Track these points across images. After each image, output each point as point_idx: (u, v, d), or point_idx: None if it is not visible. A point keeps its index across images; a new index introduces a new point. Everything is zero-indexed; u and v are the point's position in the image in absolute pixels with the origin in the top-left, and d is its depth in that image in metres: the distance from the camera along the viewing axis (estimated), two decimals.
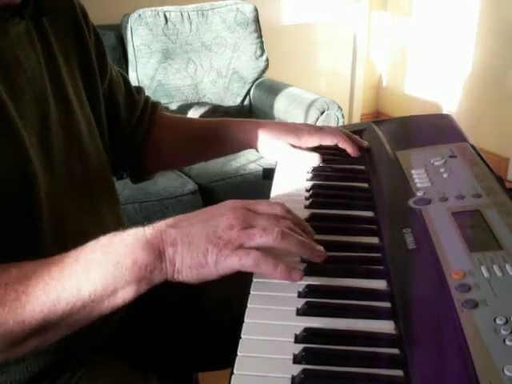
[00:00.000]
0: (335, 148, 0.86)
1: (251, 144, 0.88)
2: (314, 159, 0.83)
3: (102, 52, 0.82)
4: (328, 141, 0.85)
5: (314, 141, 0.85)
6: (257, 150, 0.88)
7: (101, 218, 0.74)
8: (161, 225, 0.56)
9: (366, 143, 0.88)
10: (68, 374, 0.67)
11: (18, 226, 0.60)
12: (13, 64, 0.62)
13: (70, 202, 0.68)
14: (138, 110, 0.90)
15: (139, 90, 0.93)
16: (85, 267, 0.52)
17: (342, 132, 0.86)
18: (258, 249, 0.53)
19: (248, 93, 2.52)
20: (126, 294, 0.53)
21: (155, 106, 0.94)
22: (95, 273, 0.52)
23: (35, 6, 0.66)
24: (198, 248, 0.53)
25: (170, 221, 0.56)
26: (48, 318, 0.51)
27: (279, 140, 0.85)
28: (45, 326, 0.51)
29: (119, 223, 0.79)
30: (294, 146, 0.85)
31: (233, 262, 0.53)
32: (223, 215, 0.55)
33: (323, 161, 0.84)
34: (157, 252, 0.53)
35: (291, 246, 0.55)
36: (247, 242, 0.54)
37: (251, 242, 0.54)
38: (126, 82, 0.90)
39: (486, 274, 0.50)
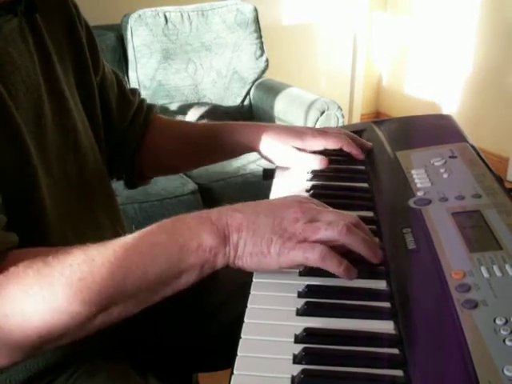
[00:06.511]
0: (338, 150, 0.84)
1: (254, 148, 0.86)
2: (319, 163, 0.81)
3: (94, 48, 0.81)
4: (333, 144, 0.83)
5: (319, 144, 0.83)
6: (260, 155, 0.87)
7: (96, 216, 0.74)
8: (226, 209, 0.56)
9: (369, 144, 0.86)
10: (67, 374, 0.67)
11: (21, 226, 0.59)
12: (7, 62, 0.61)
13: (67, 200, 0.68)
14: (132, 111, 0.88)
15: (134, 91, 0.91)
16: (150, 249, 0.52)
17: (345, 135, 0.85)
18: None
19: (248, 93, 2.52)
20: (189, 277, 0.54)
21: (151, 108, 0.92)
22: (160, 255, 0.52)
23: (27, 2, 0.66)
24: (262, 237, 0.54)
25: (236, 206, 0.56)
26: (114, 298, 0.51)
27: (284, 144, 0.83)
28: (110, 306, 0.52)
29: (116, 221, 0.79)
30: (299, 149, 0.83)
31: (296, 255, 0.53)
32: (290, 208, 0.56)
33: (328, 164, 0.81)
34: (222, 236, 0.53)
35: (356, 241, 0.55)
36: (312, 236, 0.54)
37: (316, 235, 0.54)
38: (120, 81, 0.88)
39: (485, 274, 0.50)
